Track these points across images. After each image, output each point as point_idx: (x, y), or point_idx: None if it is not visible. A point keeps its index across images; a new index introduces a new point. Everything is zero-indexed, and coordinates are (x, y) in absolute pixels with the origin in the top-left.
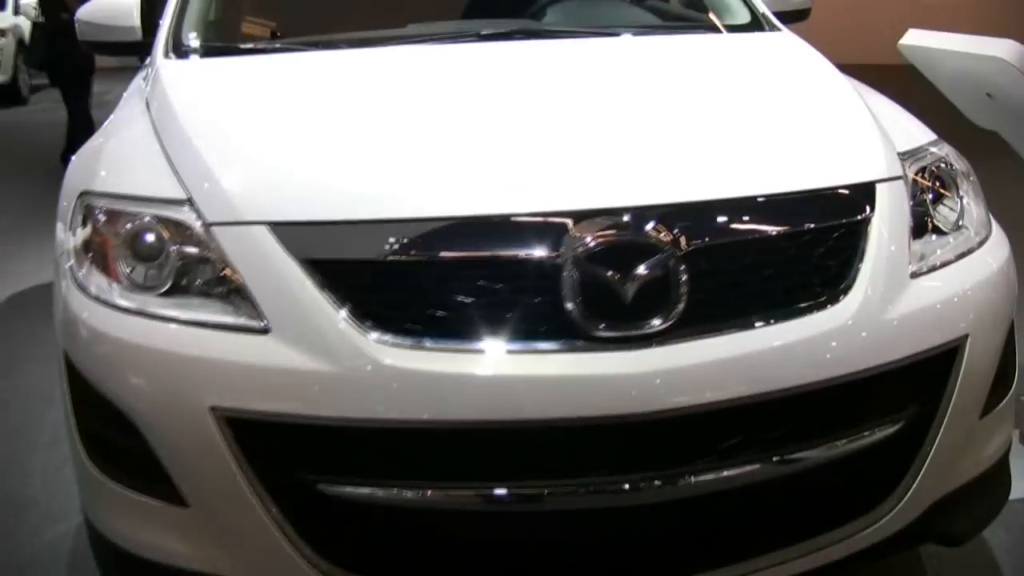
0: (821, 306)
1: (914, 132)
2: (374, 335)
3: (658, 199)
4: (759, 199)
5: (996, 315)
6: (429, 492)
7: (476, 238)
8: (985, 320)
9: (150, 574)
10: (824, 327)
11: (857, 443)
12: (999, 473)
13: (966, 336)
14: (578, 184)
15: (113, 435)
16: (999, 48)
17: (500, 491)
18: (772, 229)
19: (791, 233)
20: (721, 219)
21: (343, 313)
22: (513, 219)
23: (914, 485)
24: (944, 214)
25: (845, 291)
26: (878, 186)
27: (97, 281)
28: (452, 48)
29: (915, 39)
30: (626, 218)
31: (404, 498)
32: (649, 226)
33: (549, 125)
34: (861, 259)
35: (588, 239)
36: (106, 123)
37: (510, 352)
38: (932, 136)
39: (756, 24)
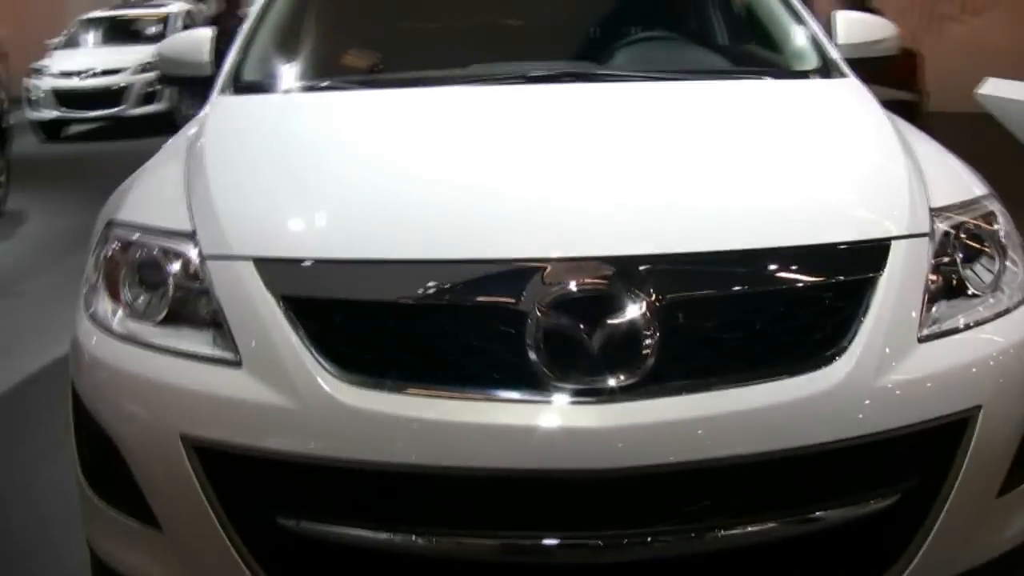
0: (807, 369)
1: (960, 186)
2: (336, 374)
3: (635, 250)
4: (746, 254)
5: (1021, 385)
6: (383, 534)
7: (443, 282)
8: (1006, 391)
9: None
10: (807, 392)
11: (842, 516)
12: (1017, 559)
13: (979, 408)
14: (554, 232)
15: (102, 457)
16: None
17: (450, 539)
18: (758, 287)
19: (780, 291)
20: (701, 273)
21: (309, 351)
22: (481, 265)
23: (913, 564)
24: (979, 275)
25: (837, 354)
26: (894, 244)
27: (103, 307)
28: (493, 90)
29: (993, 88)
30: (598, 268)
31: (357, 537)
32: (621, 277)
33: (551, 172)
34: (860, 321)
35: (555, 288)
36: (154, 156)
37: (468, 399)
38: (982, 190)
39: (825, 70)
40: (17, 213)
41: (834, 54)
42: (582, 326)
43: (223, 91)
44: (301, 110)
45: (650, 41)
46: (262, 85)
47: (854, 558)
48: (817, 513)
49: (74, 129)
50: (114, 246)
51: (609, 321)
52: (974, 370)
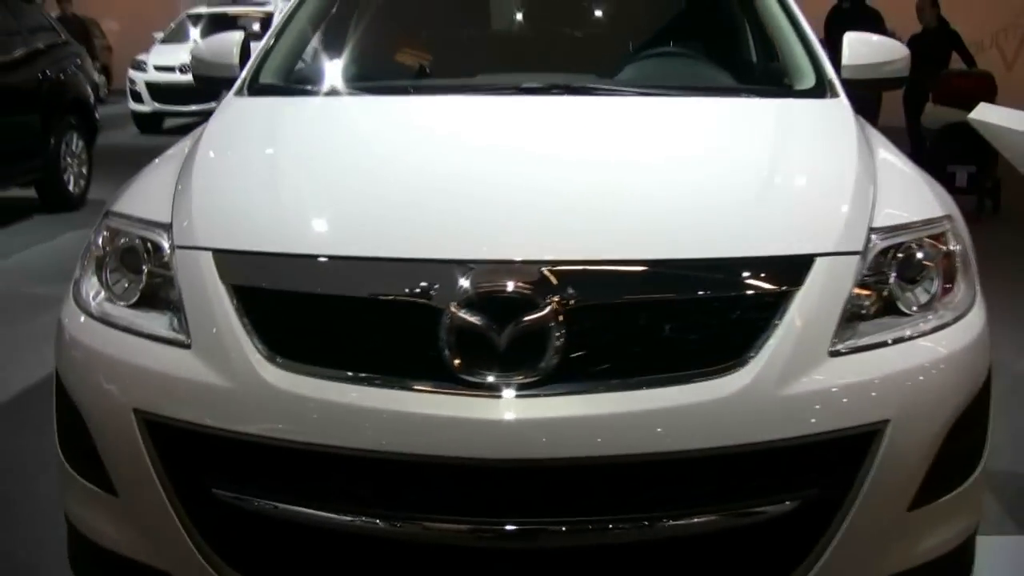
0: (707, 376)
1: (915, 207)
2: (270, 359)
3: (548, 256)
4: (656, 263)
5: (934, 404)
6: (303, 509)
7: (367, 278)
8: (919, 408)
9: (92, 554)
10: (703, 397)
11: (737, 518)
12: (941, 572)
13: (887, 422)
14: (473, 236)
15: (73, 429)
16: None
17: (358, 516)
18: (665, 296)
19: (687, 301)
20: (609, 281)
21: (249, 337)
22: (401, 263)
23: (816, 568)
24: (915, 293)
25: (740, 364)
26: (818, 260)
27: (87, 290)
28: (482, 100)
29: (982, 114)
30: (512, 271)
31: (282, 510)
32: (533, 281)
33: (497, 181)
34: (771, 332)
35: (468, 288)
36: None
37: (382, 387)
38: (938, 212)
39: (819, 90)
40: (99, 203)
41: (831, 75)
42: (491, 325)
43: (238, 92)
44: (293, 113)
45: (660, 57)
46: (275, 88)
47: (757, 559)
48: (712, 516)
49: (171, 122)
50: (104, 234)
51: (517, 322)
52: (884, 385)
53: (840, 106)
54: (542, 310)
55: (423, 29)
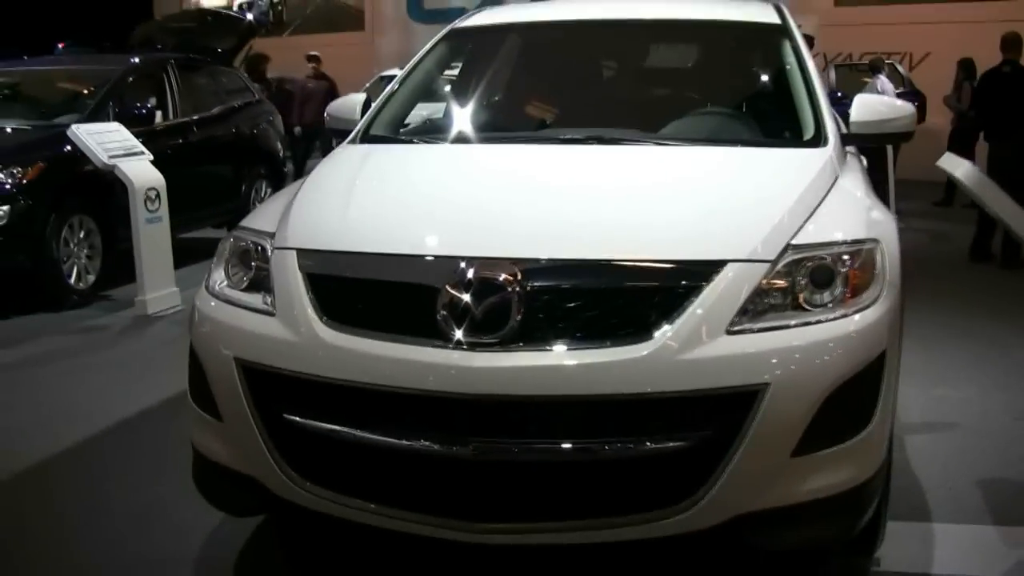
0: (627, 343)
1: (840, 231)
2: (326, 323)
3: (514, 255)
4: (598, 262)
5: (810, 375)
6: (352, 431)
7: (391, 268)
8: (796, 377)
9: (206, 467)
10: (620, 357)
11: (649, 448)
12: (823, 512)
13: (766, 385)
14: (467, 240)
15: (197, 376)
16: (956, 168)
17: (398, 438)
18: (600, 285)
19: (617, 288)
20: (558, 273)
21: (313, 307)
22: (415, 257)
23: (710, 494)
24: (820, 295)
25: (654, 333)
26: (730, 264)
27: (215, 280)
28: (535, 147)
29: (947, 163)
30: (488, 265)
31: (330, 429)
32: (500, 271)
33: (502, 203)
34: (682, 313)
35: (457, 275)
36: None
37: (402, 343)
38: (859, 235)
39: (814, 141)
40: None
41: (826, 129)
42: (471, 301)
43: (351, 141)
44: (382, 156)
45: (697, 116)
46: (381, 138)
47: (666, 483)
48: (626, 444)
49: None
50: (230, 242)
51: (488, 299)
52: (766, 357)
53: (820, 153)
54: (506, 292)
55: (502, 97)
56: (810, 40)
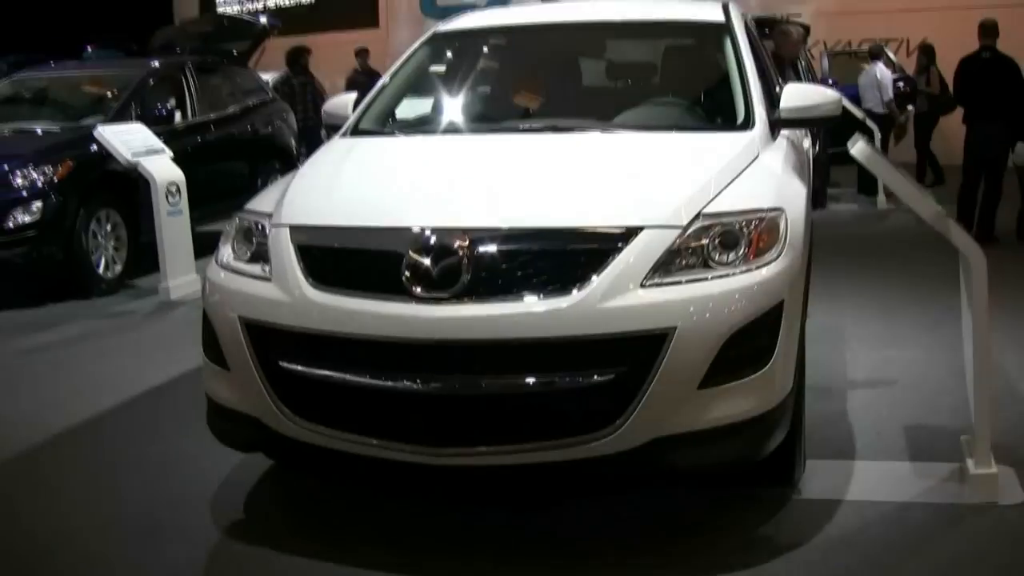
0: (556, 295)
1: (749, 200)
2: (312, 284)
3: (465, 224)
4: (530, 229)
5: (711, 320)
6: (335, 373)
7: (364, 238)
8: (699, 322)
9: (216, 410)
10: (552, 307)
11: (582, 381)
12: (729, 435)
13: (673, 329)
14: (425, 212)
15: (208, 334)
16: (853, 147)
17: (359, 374)
18: (535, 248)
19: (548, 250)
20: (499, 239)
21: (302, 272)
22: (384, 229)
23: (629, 420)
24: (726, 255)
25: (577, 288)
26: (645, 230)
27: (223, 253)
28: (496, 136)
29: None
30: (443, 233)
31: (317, 374)
32: (452, 238)
33: (464, 183)
34: (602, 270)
35: (417, 241)
36: None
37: (373, 299)
38: (765, 204)
39: (743, 125)
40: None
41: (754, 114)
42: (429, 262)
43: (343, 135)
44: (366, 146)
45: (647, 106)
46: (369, 131)
47: (592, 410)
48: (557, 378)
49: None
50: (236, 221)
51: (443, 262)
52: (673, 306)
53: (745, 136)
54: (458, 255)
55: (475, 93)
56: (806, 29)
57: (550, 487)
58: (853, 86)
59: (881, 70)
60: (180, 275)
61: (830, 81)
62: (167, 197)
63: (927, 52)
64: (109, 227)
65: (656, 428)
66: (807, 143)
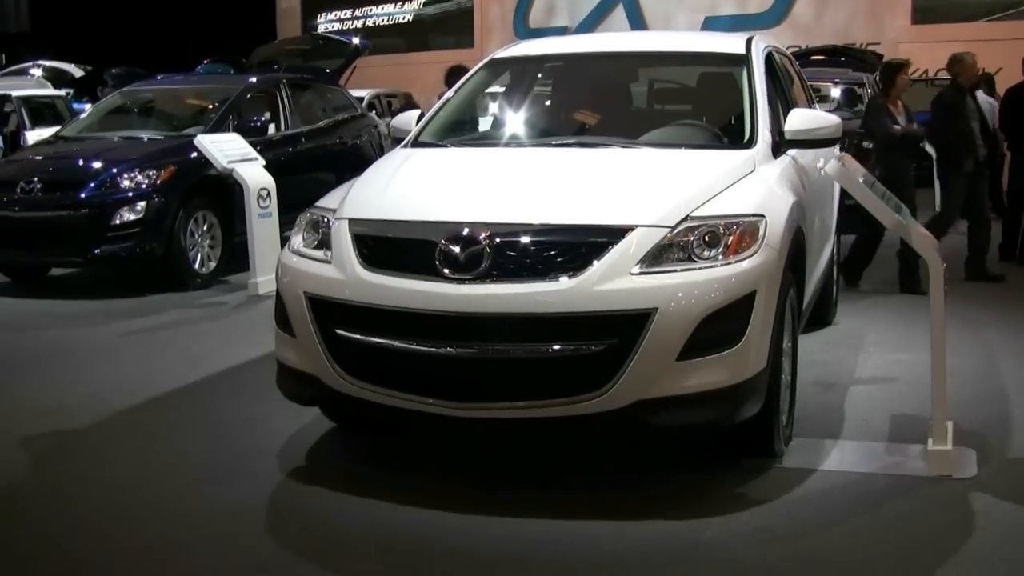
0: (558, 278)
1: (735, 207)
2: (365, 267)
3: (488, 219)
4: (543, 224)
5: (689, 304)
6: (379, 339)
7: (408, 229)
8: (677, 305)
9: (285, 371)
10: (556, 288)
11: (575, 350)
12: (703, 402)
13: (656, 309)
14: (457, 209)
15: (280, 306)
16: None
17: (407, 343)
18: (544, 239)
19: (556, 241)
20: (515, 231)
21: (356, 256)
22: (425, 223)
23: (618, 384)
24: (709, 251)
25: (577, 273)
26: (638, 228)
27: (295, 241)
28: (534, 149)
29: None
30: (470, 227)
31: (369, 340)
32: (477, 231)
33: (496, 189)
34: (598, 260)
35: (449, 232)
36: None
37: (412, 279)
38: (748, 211)
39: (748, 144)
40: None
41: (761, 133)
42: (458, 251)
43: (404, 146)
44: (421, 156)
45: (670, 126)
46: (428, 143)
47: (587, 375)
48: (558, 347)
49: None
50: (307, 216)
51: (469, 249)
52: (656, 291)
53: (745, 153)
54: (481, 244)
55: (520, 111)
56: (878, 59)
57: (550, 437)
58: (921, 114)
59: (982, 97)
60: (268, 272)
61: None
62: (258, 201)
63: (988, 83)
64: (206, 227)
65: (639, 392)
66: (822, 163)
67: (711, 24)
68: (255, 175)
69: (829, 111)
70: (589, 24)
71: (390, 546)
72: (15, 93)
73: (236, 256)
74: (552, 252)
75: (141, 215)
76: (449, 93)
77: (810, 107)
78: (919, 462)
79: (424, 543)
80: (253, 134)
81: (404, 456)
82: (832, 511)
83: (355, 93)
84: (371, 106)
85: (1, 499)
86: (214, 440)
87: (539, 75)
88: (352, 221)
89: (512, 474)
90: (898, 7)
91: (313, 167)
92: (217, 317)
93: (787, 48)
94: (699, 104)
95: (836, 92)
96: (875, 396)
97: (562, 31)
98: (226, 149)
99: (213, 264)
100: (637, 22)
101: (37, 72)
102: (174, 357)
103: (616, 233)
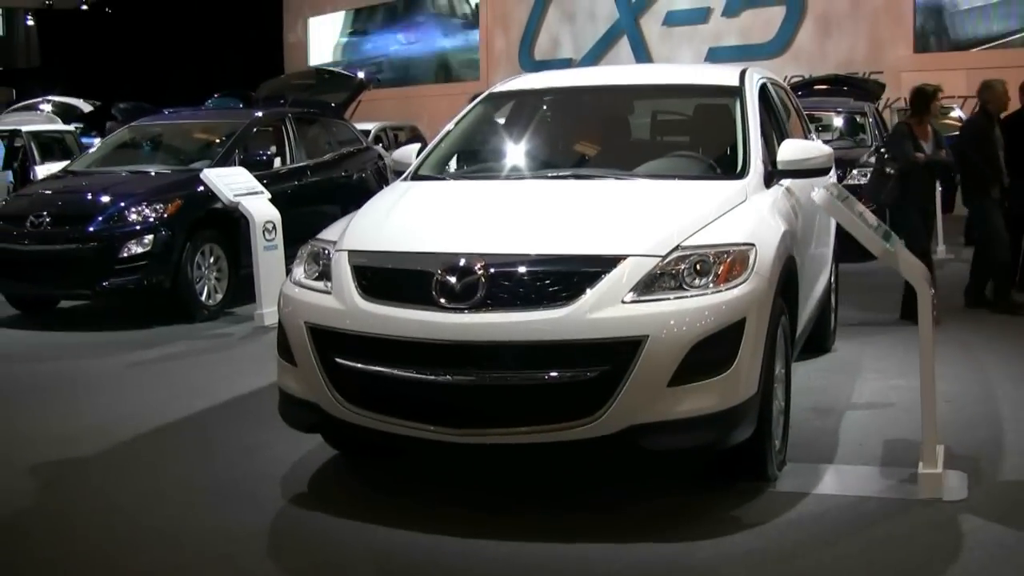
0: (553, 307)
1: (723, 237)
2: (363, 296)
3: (482, 250)
4: (535, 255)
5: (679, 332)
6: (377, 367)
7: (405, 260)
8: (668, 333)
9: (286, 399)
10: (550, 316)
11: (572, 377)
12: (694, 426)
13: (646, 337)
14: (452, 241)
15: (282, 336)
16: (814, 194)
17: (405, 371)
18: (537, 270)
19: (548, 271)
20: (507, 262)
21: (356, 288)
22: (421, 253)
23: (611, 409)
24: (699, 279)
25: (570, 302)
26: (630, 258)
27: (296, 272)
28: (531, 181)
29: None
30: (465, 257)
31: (367, 368)
32: (471, 262)
33: (484, 217)
34: (591, 289)
35: (445, 263)
36: None
37: (410, 308)
38: (736, 240)
39: (740, 174)
40: None
41: (751, 165)
42: (454, 281)
43: (404, 179)
44: (420, 189)
45: (665, 157)
46: (427, 176)
47: (582, 400)
48: (552, 374)
49: None
50: (308, 249)
51: (464, 280)
52: (647, 319)
53: (736, 184)
54: (476, 275)
55: (516, 143)
56: (881, 87)
57: (544, 462)
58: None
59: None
60: (274, 304)
61: None
62: (264, 234)
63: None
64: (212, 259)
65: (632, 417)
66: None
67: (715, 55)
68: (260, 208)
69: (831, 140)
70: (594, 56)
71: (388, 569)
72: (25, 128)
73: (243, 288)
74: (546, 281)
75: (148, 248)
76: (448, 126)
77: (806, 137)
78: (910, 485)
79: (421, 565)
80: (259, 168)
81: (403, 481)
82: (823, 533)
83: (363, 126)
84: (378, 139)
85: (6, 525)
86: (217, 467)
87: (537, 108)
88: (352, 253)
89: (509, 497)
90: (899, 36)
91: (318, 200)
92: (223, 348)
93: (790, 77)
94: (694, 135)
95: (838, 121)
96: (870, 421)
97: (567, 63)
98: (232, 183)
99: (220, 296)
100: (642, 54)
101: (47, 107)
102: (180, 387)
103: (608, 263)
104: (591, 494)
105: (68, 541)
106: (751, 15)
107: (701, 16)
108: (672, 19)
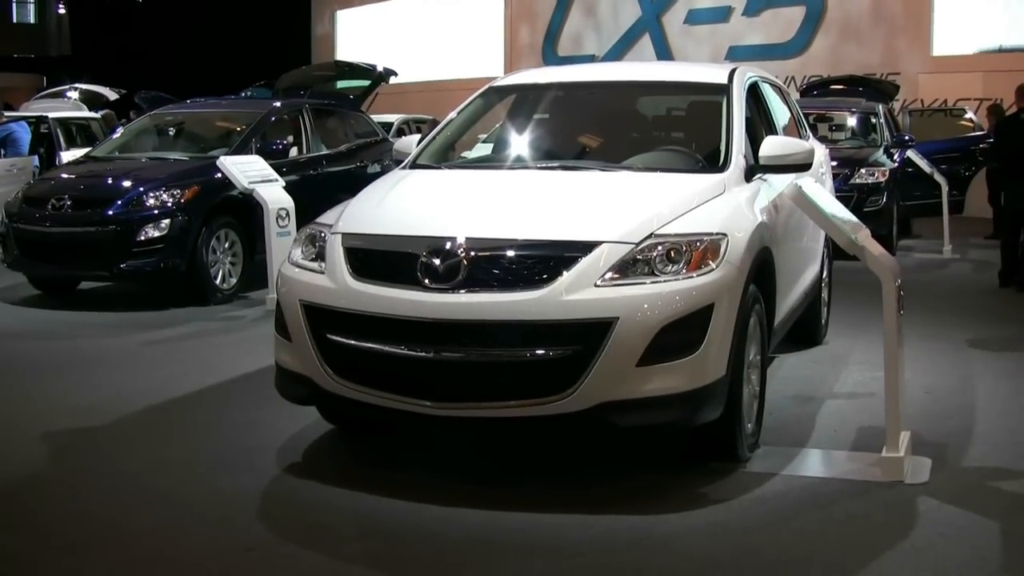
0: (531, 289)
1: (698, 226)
2: (354, 276)
3: (465, 234)
4: (515, 239)
5: (648, 314)
6: (365, 343)
7: (393, 243)
8: (635, 315)
9: (282, 373)
10: (526, 297)
11: (547, 355)
12: (662, 405)
13: (616, 318)
14: (437, 224)
15: (279, 313)
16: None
17: (390, 347)
18: (515, 253)
19: (526, 255)
20: (488, 245)
21: (347, 267)
22: (407, 236)
23: (583, 386)
24: (671, 266)
25: (546, 284)
26: (604, 244)
27: (294, 253)
28: (520, 171)
29: (789, 191)
30: (449, 240)
31: (357, 344)
32: (454, 244)
33: (472, 203)
34: (567, 272)
35: (429, 246)
36: None
37: (397, 288)
38: (710, 230)
39: (722, 168)
40: None
41: (732, 159)
42: (437, 263)
43: (404, 167)
44: (416, 176)
45: (653, 151)
46: (426, 165)
47: (554, 378)
48: (528, 352)
49: None
50: (306, 231)
51: (447, 261)
52: (618, 301)
53: (716, 176)
54: (458, 256)
55: (513, 135)
56: (895, 88)
57: (519, 436)
58: (935, 142)
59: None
60: None
61: (906, 138)
62: (277, 220)
63: (996, 112)
64: (227, 244)
65: (603, 394)
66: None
67: (735, 53)
68: (274, 195)
69: (845, 139)
70: (616, 53)
71: (371, 531)
72: (51, 115)
73: (257, 273)
74: (524, 264)
75: (165, 232)
76: (449, 116)
77: (800, 136)
78: (875, 469)
79: (403, 528)
80: (275, 156)
81: (391, 455)
82: (784, 510)
83: (386, 118)
84: (401, 131)
85: (21, 486)
86: (222, 438)
87: (535, 103)
88: (345, 235)
89: (492, 470)
90: (917, 38)
91: (332, 188)
92: (235, 330)
93: (808, 77)
94: (684, 131)
95: (851, 121)
96: (848, 409)
97: (590, 60)
98: (247, 170)
99: (234, 280)
100: (663, 51)
101: (73, 95)
102: (191, 365)
103: (585, 248)
104: (570, 472)
105: (77, 502)
106: (771, 15)
107: (723, 15)
108: (694, 18)
